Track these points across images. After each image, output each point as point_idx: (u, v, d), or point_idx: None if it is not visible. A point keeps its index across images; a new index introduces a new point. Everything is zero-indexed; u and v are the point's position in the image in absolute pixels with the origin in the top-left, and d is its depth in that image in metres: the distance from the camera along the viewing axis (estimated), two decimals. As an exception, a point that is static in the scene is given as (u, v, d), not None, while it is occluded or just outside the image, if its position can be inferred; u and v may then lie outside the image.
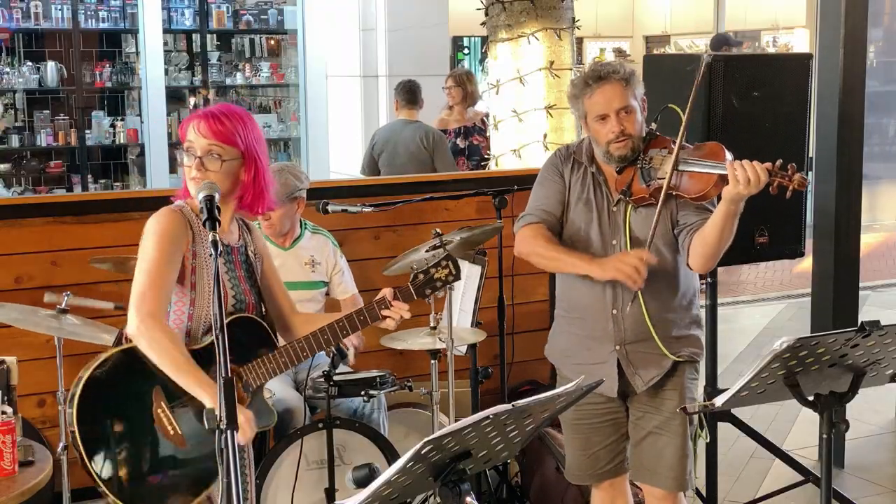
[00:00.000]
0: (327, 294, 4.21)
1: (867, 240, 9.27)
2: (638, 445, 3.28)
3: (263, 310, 2.87)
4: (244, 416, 2.58)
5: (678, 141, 3.03)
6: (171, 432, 2.68)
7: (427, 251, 3.66)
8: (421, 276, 2.87)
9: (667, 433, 3.22)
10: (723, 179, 2.93)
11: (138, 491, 2.67)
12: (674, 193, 3.07)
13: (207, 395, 2.55)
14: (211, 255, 2.37)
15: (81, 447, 2.65)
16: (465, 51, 12.23)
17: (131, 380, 2.69)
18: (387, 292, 2.82)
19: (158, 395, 2.67)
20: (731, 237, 3.02)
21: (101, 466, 2.67)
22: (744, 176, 2.85)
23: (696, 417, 3.32)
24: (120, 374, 2.70)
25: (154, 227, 2.68)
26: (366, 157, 6.83)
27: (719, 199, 2.99)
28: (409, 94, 6.74)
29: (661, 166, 3.07)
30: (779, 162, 2.89)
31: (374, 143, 6.76)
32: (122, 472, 2.67)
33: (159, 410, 2.67)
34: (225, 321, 2.59)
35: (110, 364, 2.70)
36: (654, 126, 3.20)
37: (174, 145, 8.56)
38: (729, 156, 2.99)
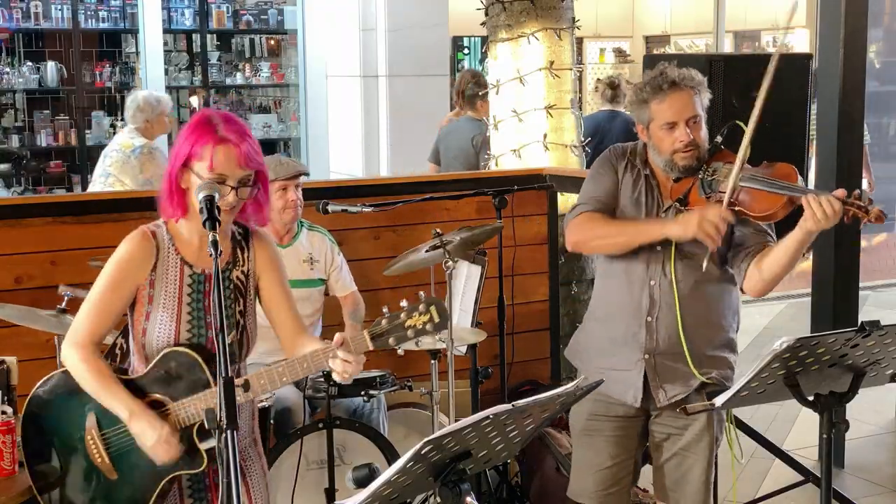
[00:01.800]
0: (326, 294, 4.22)
1: (867, 240, 9.27)
2: (661, 467, 3.22)
3: (245, 338, 2.71)
4: (164, 438, 2.55)
5: (741, 152, 2.94)
6: (100, 460, 2.67)
7: (427, 251, 3.66)
8: (384, 323, 2.48)
9: (693, 454, 3.16)
10: (791, 202, 2.85)
11: None
12: (736, 209, 2.97)
13: (123, 408, 2.58)
14: (213, 265, 2.35)
15: (27, 468, 2.75)
16: (465, 51, 12.22)
17: (68, 403, 2.72)
18: (336, 338, 2.51)
19: (91, 421, 2.67)
20: (794, 266, 2.96)
21: (43, 488, 2.73)
22: (821, 212, 2.75)
23: (721, 439, 3.25)
24: (59, 396, 2.73)
25: (114, 255, 2.66)
26: (433, 146, 7.03)
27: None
28: (465, 92, 6.97)
29: (724, 179, 2.97)
30: (857, 191, 2.80)
31: (439, 135, 7.00)
32: (59, 498, 2.72)
33: (89, 437, 2.67)
34: (164, 351, 2.61)
35: (51, 385, 2.74)
36: (718, 139, 3.10)
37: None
38: (800, 180, 2.93)
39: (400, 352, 2.54)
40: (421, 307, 2.48)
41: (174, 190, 2.61)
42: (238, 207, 2.61)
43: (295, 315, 2.78)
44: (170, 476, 2.64)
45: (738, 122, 3.07)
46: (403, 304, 2.50)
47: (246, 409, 2.79)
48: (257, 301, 2.77)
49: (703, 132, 3.07)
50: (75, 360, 2.64)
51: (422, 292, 2.52)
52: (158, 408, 2.63)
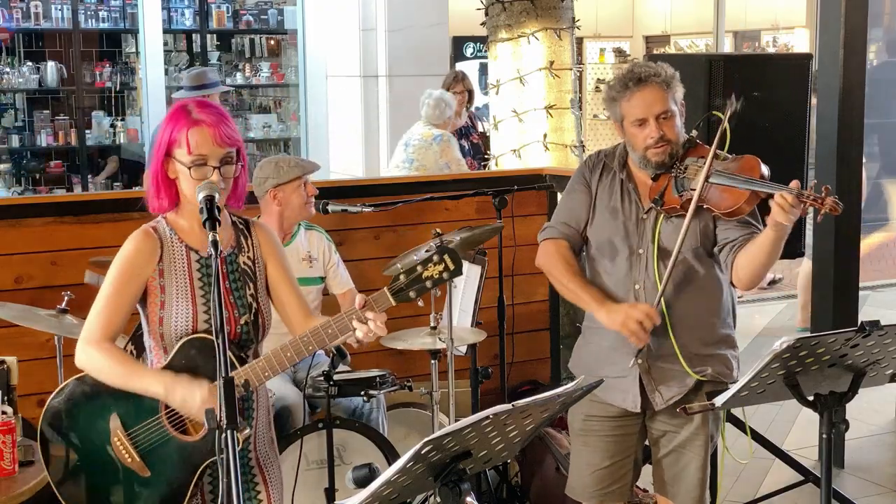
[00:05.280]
0: (325, 293, 4.22)
1: (867, 240, 9.27)
2: (659, 463, 3.23)
3: (261, 321, 2.70)
4: (209, 394, 2.51)
5: (710, 152, 2.95)
6: (130, 460, 2.64)
7: (427, 251, 3.66)
8: (402, 277, 2.57)
9: (688, 452, 3.16)
10: (756, 196, 2.85)
11: None
12: (705, 207, 2.98)
13: (157, 384, 2.57)
14: (212, 256, 2.37)
15: (50, 479, 2.69)
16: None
17: (88, 409, 2.69)
18: (358, 300, 2.58)
19: (115, 422, 2.64)
20: (777, 257, 2.96)
21: (70, 500, 2.68)
22: (786, 205, 2.75)
23: (716, 436, 3.24)
24: (77, 404, 2.69)
25: (119, 253, 2.67)
26: None
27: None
28: None
29: (694, 177, 2.97)
30: (812, 183, 2.79)
31: None
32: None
33: (115, 439, 2.64)
34: (183, 340, 2.61)
35: (66, 394, 2.70)
36: (694, 133, 3.10)
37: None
38: (765, 170, 2.91)
39: (420, 303, 2.62)
40: (435, 257, 2.56)
41: (161, 182, 2.63)
42: (228, 188, 2.61)
43: (301, 298, 2.79)
44: (205, 463, 2.60)
45: (714, 112, 3.06)
46: (416, 257, 2.60)
47: (263, 408, 2.78)
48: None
49: (678, 126, 3.05)
50: (94, 356, 2.62)
51: (432, 242, 2.59)
52: None
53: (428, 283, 2.56)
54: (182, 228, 2.68)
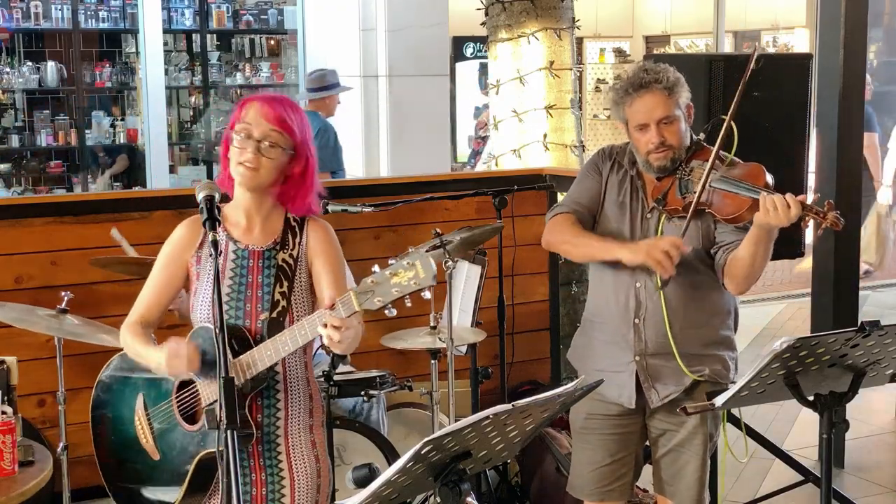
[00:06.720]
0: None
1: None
2: (658, 462, 3.23)
3: (288, 320, 2.62)
4: (170, 353, 2.52)
5: (712, 156, 2.96)
6: (145, 441, 2.72)
7: (427, 251, 3.65)
8: (370, 282, 2.37)
9: (687, 451, 3.16)
10: (757, 204, 2.85)
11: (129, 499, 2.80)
12: (706, 210, 2.99)
13: (150, 361, 2.61)
14: (211, 255, 2.38)
15: (96, 455, 2.85)
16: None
17: (123, 387, 2.82)
18: (327, 299, 2.47)
19: (139, 402, 2.75)
20: (764, 262, 2.96)
21: (105, 468, 2.82)
22: (772, 204, 2.78)
23: (716, 435, 3.25)
24: (117, 380, 2.85)
25: (168, 238, 2.74)
26: None
27: None
28: None
29: (698, 180, 2.98)
30: (816, 197, 2.82)
31: None
32: (121, 482, 2.81)
33: (137, 419, 2.74)
34: (193, 330, 2.64)
35: (111, 369, 2.86)
36: (701, 136, 3.10)
37: (173, 144, 8.65)
38: (769, 178, 2.92)
39: (388, 313, 2.39)
40: (405, 262, 2.36)
41: (225, 162, 2.65)
42: (268, 174, 2.58)
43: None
44: (200, 454, 2.60)
45: (723, 116, 3.07)
46: (392, 261, 2.40)
47: (298, 394, 2.69)
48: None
49: (681, 131, 3.05)
50: (122, 334, 2.70)
51: (411, 247, 2.43)
52: (188, 386, 2.67)
53: (395, 290, 2.35)
54: (230, 220, 2.69)
